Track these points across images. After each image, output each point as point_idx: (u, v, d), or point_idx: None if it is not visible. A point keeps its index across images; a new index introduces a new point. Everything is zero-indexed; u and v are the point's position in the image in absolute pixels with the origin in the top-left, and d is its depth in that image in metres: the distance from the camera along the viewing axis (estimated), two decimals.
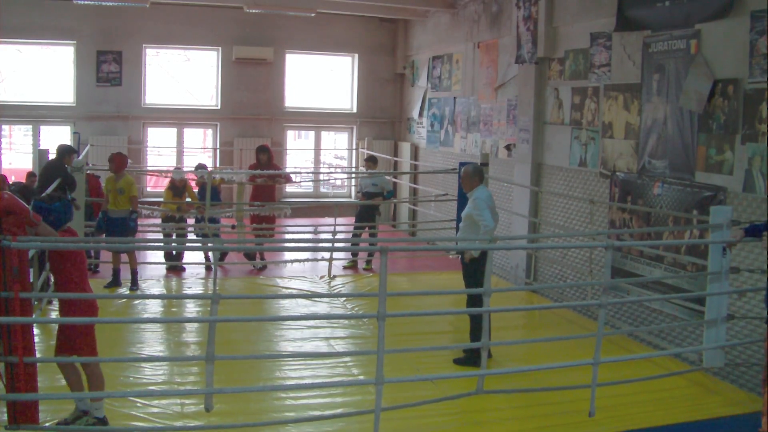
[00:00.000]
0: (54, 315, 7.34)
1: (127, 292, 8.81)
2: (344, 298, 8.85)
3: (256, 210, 10.72)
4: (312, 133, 16.46)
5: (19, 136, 15.56)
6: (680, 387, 6.23)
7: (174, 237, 10.36)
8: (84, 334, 4.91)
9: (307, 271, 10.57)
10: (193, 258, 10.68)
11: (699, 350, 6.39)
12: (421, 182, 14.48)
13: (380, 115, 16.13)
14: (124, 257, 9.06)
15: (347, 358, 6.77)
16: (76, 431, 4.85)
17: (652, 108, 7.79)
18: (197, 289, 9.40)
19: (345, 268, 10.77)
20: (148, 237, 11.03)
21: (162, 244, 10.22)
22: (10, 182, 9.48)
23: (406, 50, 15.64)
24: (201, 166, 10.36)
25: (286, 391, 5.93)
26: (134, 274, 8.92)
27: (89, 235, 9.08)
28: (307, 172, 15.91)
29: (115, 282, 8.95)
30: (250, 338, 7.29)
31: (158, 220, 10.86)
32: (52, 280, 5.00)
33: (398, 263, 11.10)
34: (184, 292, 9.38)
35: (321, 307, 8.65)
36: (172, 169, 12.57)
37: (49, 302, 7.78)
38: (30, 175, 10.10)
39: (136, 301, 8.48)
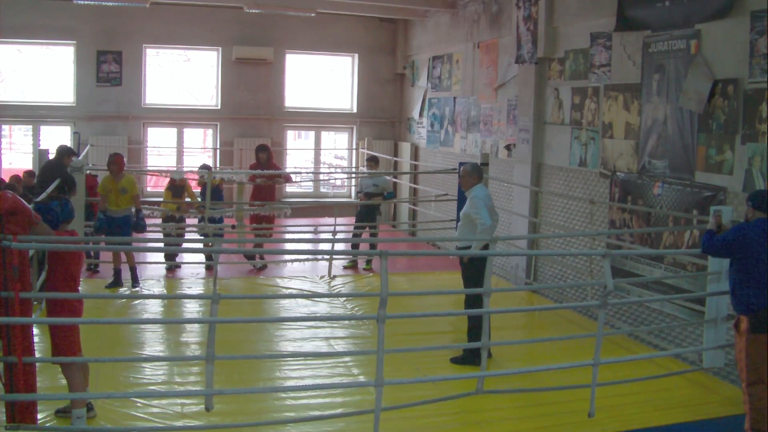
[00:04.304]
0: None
1: (129, 291, 8.81)
2: (344, 298, 8.85)
3: (256, 210, 10.72)
4: (312, 133, 16.47)
5: (19, 136, 15.56)
6: (680, 387, 6.23)
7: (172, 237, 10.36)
8: (64, 333, 4.88)
9: (307, 271, 10.57)
10: (194, 258, 10.69)
11: (699, 350, 6.39)
12: (421, 182, 14.48)
13: (380, 115, 16.13)
14: (125, 257, 9.07)
15: (347, 358, 6.77)
16: (76, 431, 4.86)
17: (652, 108, 7.79)
18: (197, 289, 9.40)
19: (345, 268, 10.77)
20: (148, 237, 11.01)
21: (162, 245, 10.20)
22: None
23: (406, 50, 15.64)
24: (205, 167, 10.36)
25: (286, 391, 5.93)
26: (133, 270, 8.92)
27: (89, 235, 9.08)
28: (307, 172, 15.91)
29: (117, 282, 8.94)
30: (250, 338, 7.28)
31: (158, 220, 10.85)
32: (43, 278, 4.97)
33: (398, 263, 11.09)
34: (184, 292, 9.37)
35: (321, 307, 8.65)
36: (172, 169, 12.58)
37: (45, 302, 7.77)
38: (29, 174, 10.05)
39: (136, 301, 8.48)
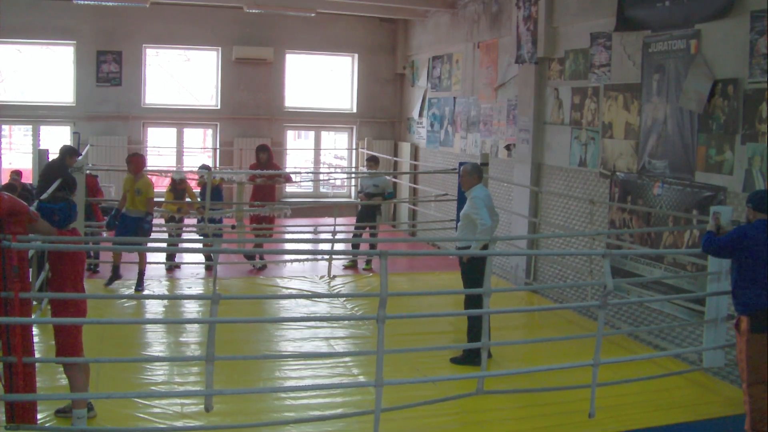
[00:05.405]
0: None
1: (130, 292, 8.80)
2: (344, 298, 8.85)
3: (256, 210, 10.71)
4: (312, 133, 16.47)
5: (19, 136, 15.57)
6: (680, 387, 6.24)
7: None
8: (70, 332, 4.88)
9: (307, 271, 10.57)
10: (193, 258, 10.69)
11: (699, 350, 6.39)
12: (421, 182, 14.48)
13: (380, 115, 16.13)
14: (126, 257, 9.06)
15: (347, 358, 6.77)
16: (76, 431, 4.86)
17: (652, 108, 7.79)
18: (197, 289, 9.39)
19: (345, 267, 10.76)
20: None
21: (161, 245, 10.20)
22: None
23: (406, 50, 15.64)
24: (205, 167, 10.35)
25: (286, 391, 5.93)
26: (141, 274, 8.90)
27: (89, 235, 9.08)
28: (307, 172, 15.91)
29: (115, 277, 8.92)
30: (251, 338, 7.28)
31: (160, 221, 10.84)
32: (47, 277, 4.97)
33: (398, 263, 11.09)
34: (184, 292, 9.37)
35: (321, 307, 8.65)
36: (172, 169, 12.56)
37: (50, 302, 7.77)
38: (16, 173, 10.02)
39: (136, 301, 8.47)
